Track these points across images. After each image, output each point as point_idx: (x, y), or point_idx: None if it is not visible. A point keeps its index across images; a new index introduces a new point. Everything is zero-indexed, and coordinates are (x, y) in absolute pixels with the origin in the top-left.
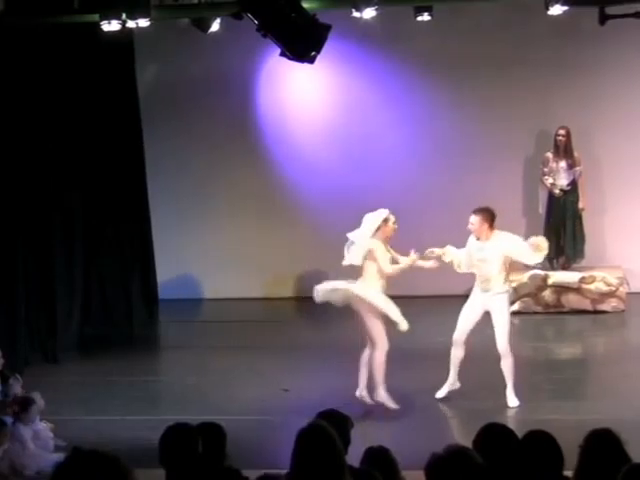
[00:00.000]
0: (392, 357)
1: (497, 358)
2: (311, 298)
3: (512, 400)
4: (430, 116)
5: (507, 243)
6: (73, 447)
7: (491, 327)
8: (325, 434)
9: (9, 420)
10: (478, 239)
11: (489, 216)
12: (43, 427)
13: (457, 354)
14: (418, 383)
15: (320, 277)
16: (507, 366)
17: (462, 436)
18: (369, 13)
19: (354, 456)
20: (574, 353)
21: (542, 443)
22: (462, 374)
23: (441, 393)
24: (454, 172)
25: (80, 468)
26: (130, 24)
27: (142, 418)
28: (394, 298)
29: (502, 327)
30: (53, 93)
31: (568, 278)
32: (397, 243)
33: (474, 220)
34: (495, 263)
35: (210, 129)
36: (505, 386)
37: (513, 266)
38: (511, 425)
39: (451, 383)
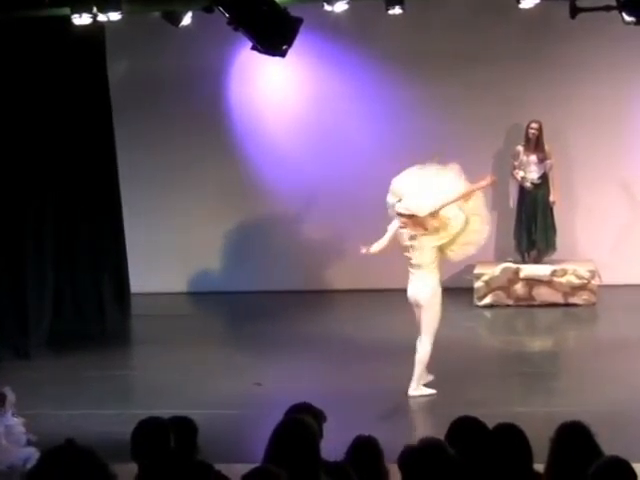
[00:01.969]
0: (365, 351)
1: (467, 352)
2: (284, 292)
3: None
4: (401, 110)
5: None
6: (67, 439)
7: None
8: (306, 429)
9: None
10: None
11: None
12: (15, 422)
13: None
14: (391, 377)
15: (295, 270)
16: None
17: (435, 429)
18: (340, 7)
19: (328, 449)
20: (545, 346)
21: (510, 436)
22: (435, 367)
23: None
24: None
25: (60, 461)
26: (101, 18)
27: (114, 412)
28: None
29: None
30: (22, 88)
31: (540, 271)
32: (371, 235)
33: None
34: None
35: (182, 123)
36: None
37: (483, 259)
38: (483, 418)
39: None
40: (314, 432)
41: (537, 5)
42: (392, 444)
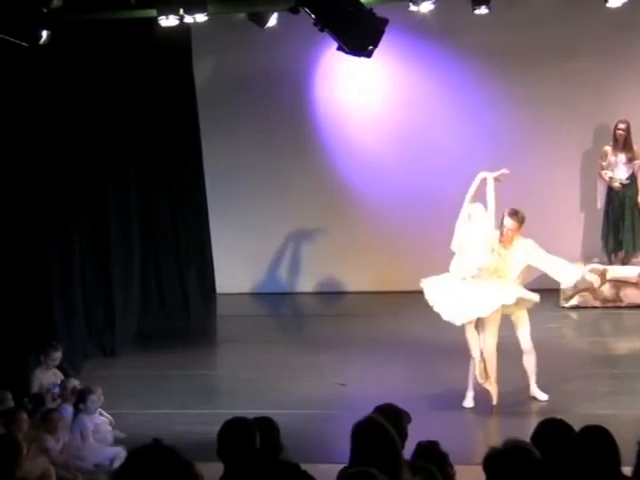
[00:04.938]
0: (448, 352)
1: (553, 354)
2: (368, 293)
3: (540, 394)
4: (488, 110)
5: (535, 255)
6: (153, 439)
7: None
8: (380, 428)
9: (68, 411)
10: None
11: (524, 221)
12: (102, 421)
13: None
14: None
15: (377, 271)
16: (531, 362)
17: (520, 430)
18: (426, 7)
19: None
20: (632, 348)
21: (598, 438)
22: (517, 368)
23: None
24: (512, 167)
25: (146, 460)
26: (187, 19)
27: (198, 412)
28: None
29: (525, 324)
30: (111, 89)
31: (627, 273)
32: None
33: (512, 225)
34: (516, 272)
35: (268, 125)
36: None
37: (570, 260)
38: (569, 420)
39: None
40: (387, 430)
41: (625, 3)
42: (475, 445)
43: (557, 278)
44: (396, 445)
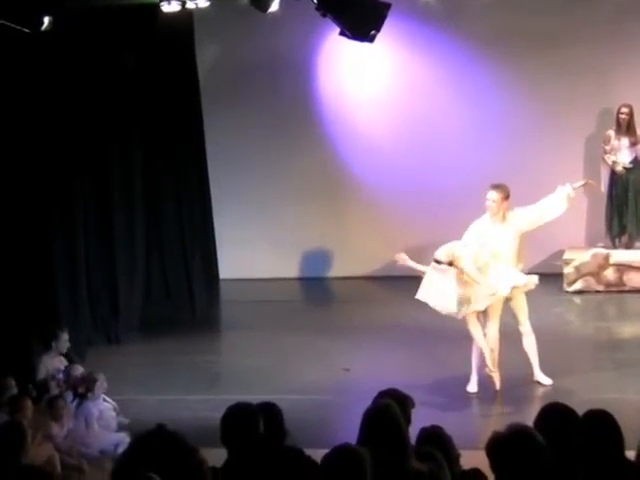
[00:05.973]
0: (453, 338)
1: (557, 338)
2: (371, 278)
3: (544, 379)
4: (491, 95)
5: (524, 217)
6: (157, 424)
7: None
8: (394, 415)
9: (71, 398)
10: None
11: (508, 193)
12: (106, 407)
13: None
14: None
15: (381, 258)
16: (531, 345)
17: (523, 415)
18: None
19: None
20: (635, 332)
21: (601, 423)
22: (521, 353)
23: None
24: (515, 151)
25: (151, 446)
26: (189, 4)
27: (203, 398)
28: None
29: (523, 306)
30: (114, 75)
31: (630, 257)
32: (460, 224)
33: (494, 197)
34: (514, 245)
35: (270, 110)
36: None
37: (573, 244)
38: (572, 405)
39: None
40: (399, 416)
41: None
42: (478, 430)
43: (552, 218)
44: (405, 432)
